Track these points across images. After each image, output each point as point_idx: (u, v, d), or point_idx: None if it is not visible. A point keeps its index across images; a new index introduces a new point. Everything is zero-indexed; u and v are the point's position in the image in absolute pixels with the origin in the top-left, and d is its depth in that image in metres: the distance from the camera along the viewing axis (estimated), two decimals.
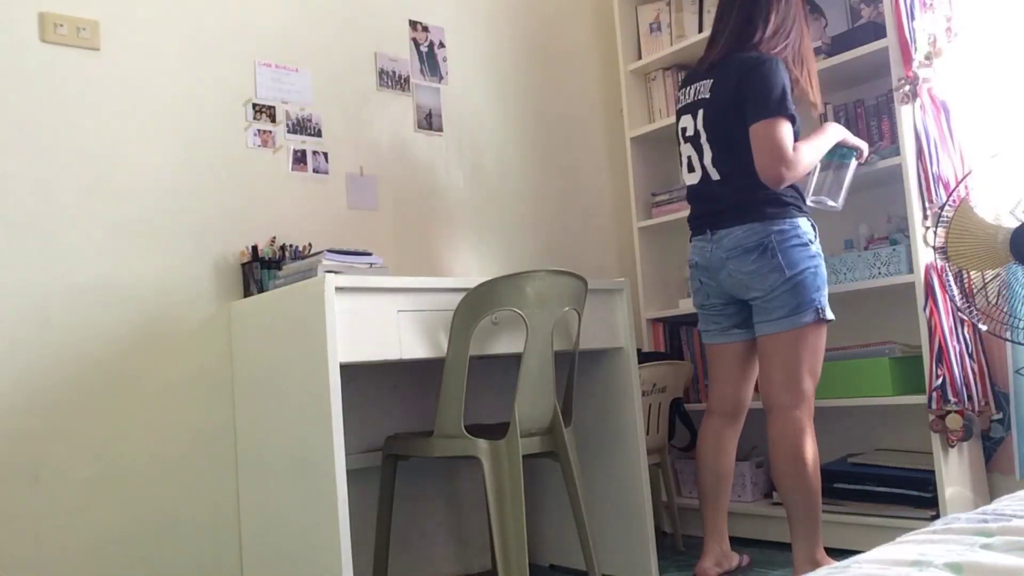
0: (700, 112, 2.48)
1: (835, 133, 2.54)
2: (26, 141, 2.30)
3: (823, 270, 2.39)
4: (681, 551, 2.95)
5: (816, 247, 2.39)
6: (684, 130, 2.53)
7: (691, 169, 2.53)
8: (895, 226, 2.92)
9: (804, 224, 2.38)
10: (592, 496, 2.69)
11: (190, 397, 2.46)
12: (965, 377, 2.60)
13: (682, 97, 2.57)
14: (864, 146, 2.63)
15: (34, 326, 2.25)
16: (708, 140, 2.46)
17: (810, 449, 2.37)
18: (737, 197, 2.40)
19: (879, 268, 2.78)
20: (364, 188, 2.88)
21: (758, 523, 2.99)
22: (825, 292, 2.39)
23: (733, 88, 2.40)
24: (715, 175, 2.46)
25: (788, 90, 2.36)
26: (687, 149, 2.53)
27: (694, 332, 3.29)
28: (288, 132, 2.74)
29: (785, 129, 2.33)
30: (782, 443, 2.37)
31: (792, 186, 2.40)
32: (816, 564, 2.38)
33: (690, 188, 2.56)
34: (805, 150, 2.38)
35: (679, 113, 2.57)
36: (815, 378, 2.41)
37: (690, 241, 2.58)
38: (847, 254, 2.89)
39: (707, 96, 2.46)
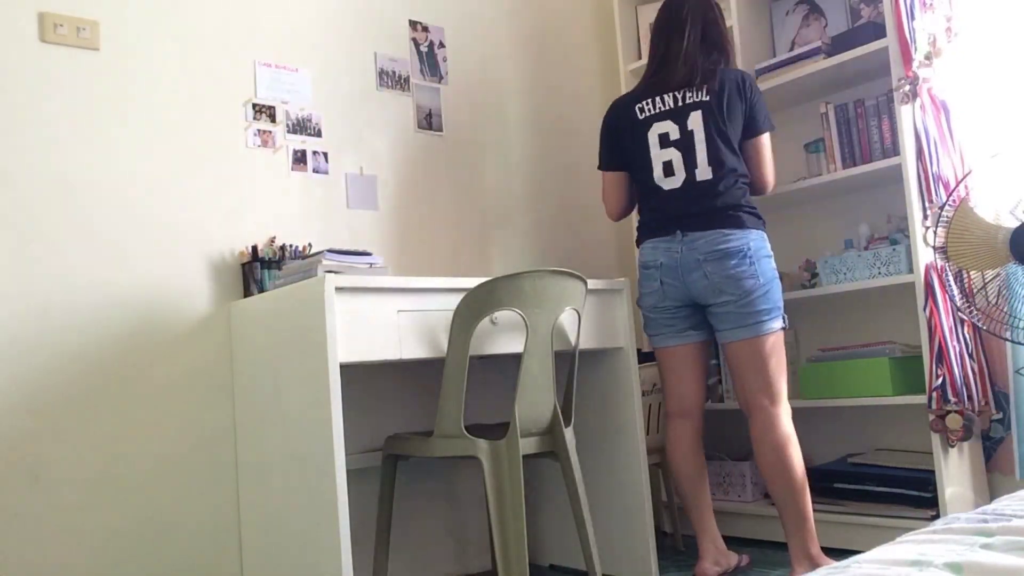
0: (695, 114, 2.55)
1: None
2: (26, 141, 2.30)
3: (779, 281, 2.57)
4: (681, 551, 2.95)
5: (774, 261, 2.58)
6: (665, 136, 2.58)
7: (669, 173, 2.57)
8: (895, 226, 2.92)
9: (766, 238, 2.56)
10: (592, 496, 2.69)
11: (190, 397, 2.46)
12: (965, 377, 2.60)
13: (648, 107, 2.62)
14: None
15: (34, 326, 2.25)
16: (705, 138, 2.53)
17: (792, 445, 2.47)
18: (723, 200, 2.51)
19: (879, 268, 2.78)
20: (364, 188, 2.88)
21: (758, 523, 2.99)
22: (782, 301, 2.56)
23: (738, 95, 2.56)
24: (705, 174, 2.52)
25: None
26: (667, 153, 2.58)
27: None
28: (288, 132, 2.74)
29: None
30: (766, 439, 2.47)
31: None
32: (812, 559, 2.43)
33: (666, 192, 2.58)
34: None
35: (649, 121, 2.61)
36: (785, 379, 2.53)
37: (641, 244, 2.64)
38: (847, 254, 2.89)
39: (705, 99, 2.55)
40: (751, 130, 2.58)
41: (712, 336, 2.61)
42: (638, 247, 2.67)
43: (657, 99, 2.61)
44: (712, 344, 2.68)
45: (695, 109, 2.55)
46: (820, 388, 2.90)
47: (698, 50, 2.60)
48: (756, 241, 2.50)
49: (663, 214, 2.59)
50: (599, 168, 2.78)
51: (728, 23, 3.15)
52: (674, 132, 2.57)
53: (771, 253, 2.55)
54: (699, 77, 2.57)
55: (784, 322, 2.53)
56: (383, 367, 2.70)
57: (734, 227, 2.49)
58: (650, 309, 2.62)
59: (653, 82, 2.65)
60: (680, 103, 2.57)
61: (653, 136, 2.59)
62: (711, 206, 2.50)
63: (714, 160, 2.52)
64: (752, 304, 2.46)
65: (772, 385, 2.49)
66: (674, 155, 2.57)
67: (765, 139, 2.61)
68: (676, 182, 2.56)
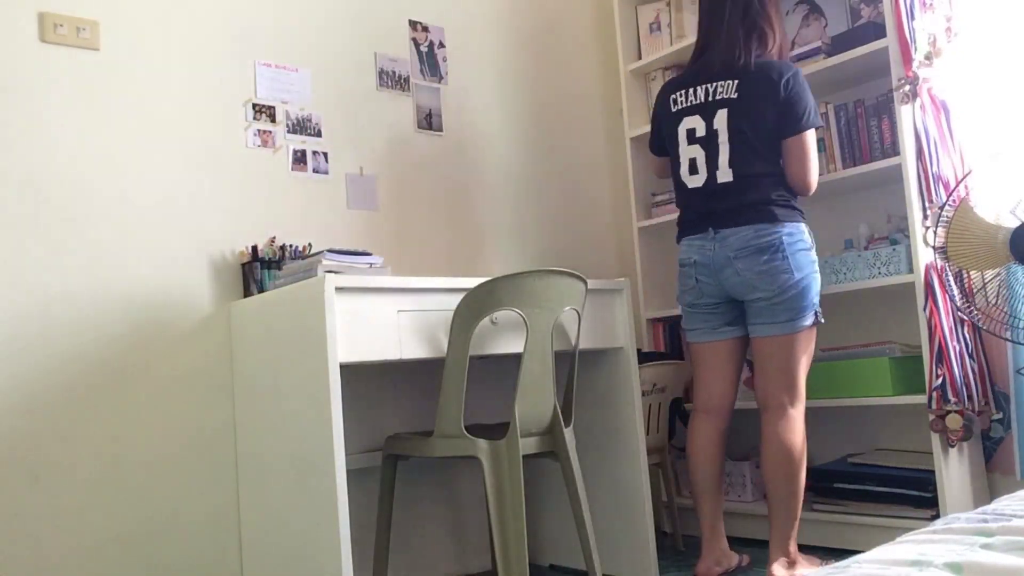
0: (721, 112, 2.48)
1: None
2: (26, 141, 2.30)
3: (819, 275, 2.49)
4: (681, 551, 2.95)
5: (815, 253, 2.48)
6: (692, 131, 2.53)
7: (694, 171, 2.53)
8: (895, 226, 2.92)
9: (806, 230, 2.48)
10: (592, 496, 2.69)
11: (190, 397, 2.46)
12: (965, 377, 2.60)
13: (682, 99, 2.57)
14: None
15: (35, 326, 2.26)
16: (729, 139, 2.47)
17: (802, 447, 2.46)
18: (749, 198, 2.44)
19: (879, 268, 2.78)
20: (364, 188, 2.88)
21: (758, 523, 2.99)
22: (819, 297, 2.48)
23: (770, 91, 2.44)
24: (725, 176, 2.47)
25: None
26: (692, 150, 2.53)
27: None
28: (288, 132, 2.74)
29: (815, 139, 2.51)
30: (778, 440, 2.44)
31: (795, 194, 2.49)
32: (790, 556, 2.46)
33: (690, 190, 2.55)
34: None
35: (680, 114, 2.57)
36: (805, 378, 2.50)
37: (679, 241, 2.61)
38: (847, 254, 2.89)
39: (733, 96, 2.47)
40: (789, 128, 2.45)
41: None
42: (678, 243, 2.63)
43: (690, 91, 2.54)
44: (748, 341, 2.59)
45: (722, 107, 2.48)
46: (820, 388, 2.89)
47: (736, 37, 2.49)
48: (790, 234, 2.42)
49: (692, 211, 2.56)
50: (649, 150, 2.82)
51: None
52: (700, 128, 2.51)
53: (810, 245, 2.46)
54: (732, 70, 2.47)
55: (818, 317, 2.46)
56: (383, 367, 2.70)
57: (765, 221, 2.41)
58: (687, 306, 2.60)
59: (692, 70, 2.59)
60: (710, 98, 2.50)
61: (682, 131, 2.55)
62: (738, 203, 2.44)
63: (735, 163, 2.45)
64: (786, 300, 2.40)
65: (795, 384, 2.46)
66: (699, 153, 2.52)
67: (806, 137, 2.46)
68: (699, 181, 2.52)
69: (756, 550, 2.84)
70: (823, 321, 2.50)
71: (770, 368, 2.47)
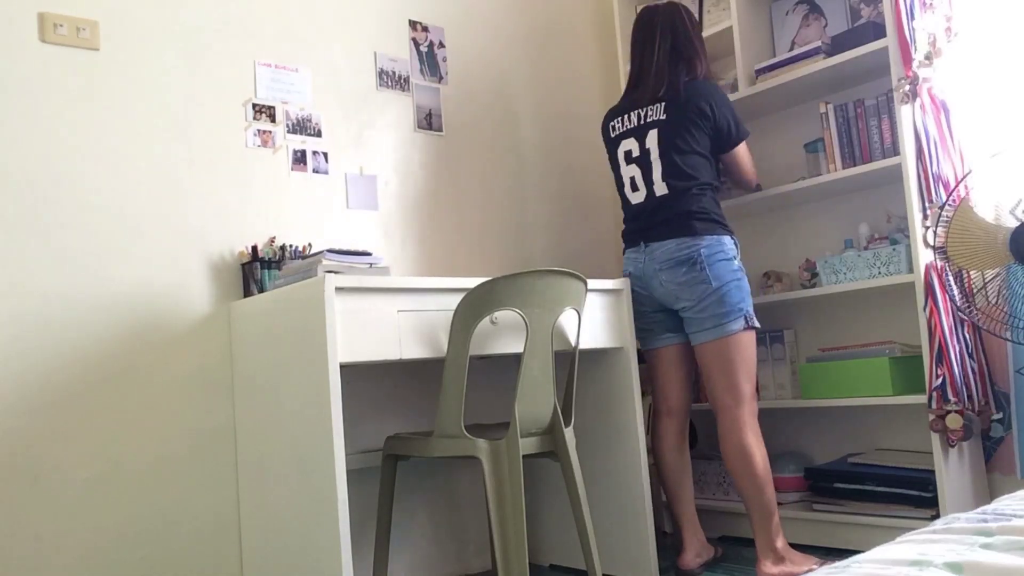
0: (652, 132, 2.69)
1: None
2: (26, 141, 2.30)
3: (746, 283, 2.63)
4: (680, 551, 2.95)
5: (738, 262, 2.63)
6: (628, 153, 2.75)
7: (635, 188, 2.74)
8: (895, 226, 2.92)
9: (728, 241, 2.62)
10: (592, 496, 2.69)
11: (190, 397, 2.46)
12: (965, 377, 2.60)
13: (618, 125, 2.80)
14: None
15: (34, 326, 2.25)
16: (660, 156, 2.67)
17: (754, 444, 2.57)
18: (678, 209, 2.62)
19: (879, 268, 2.78)
20: (364, 188, 2.88)
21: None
22: (750, 302, 2.62)
23: (698, 115, 2.65)
24: (662, 190, 2.66)
25: None
26: (631, 170, 2.75)
27: None
28: (288, 132, 2.74)
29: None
30: (730, 440, 2.58)
31: (719, 205, 2.70)
32: (777, 553, 2.53)
33: (634, 207, 2.75)
34: None
35: (618, 139, 2.79)
36: (752, 380, 2.62)
37: (623, 253, 2.81)
38: (847, 254, 2.89)
39: (662, 118, 2.68)
40: (726, 144, 2.72)
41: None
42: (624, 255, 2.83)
43: (625, 117, 2.78)
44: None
45: (652, 128, 2.69)
46: (820, 388, 2.90)
47: (667, 64, 2.72)
48: (709, 246, 2.58)
49: (631, 226, 2.77)
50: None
51: (728, 23, 3.16)
52: (635, 150, 2.73)
53: (732, 255, 2.62)
54: (661, 95, 2.69)
55: (747, 322, 2.58)
56: (383, 367, 2.70)
57: (686, 235, 2.59)
58: (636, 314, 2.74)
59: (628, 99, 2.81)
60: (642, 121, 2.72)
61: (621, 153, 2.78)
62: (667, 217, 2.63)
63: (668, 176, 2.64)
64: (708, 308, 2.56)
65: (736, 386, 2.58)
66: (636, 171, 2.73)
67: (740, 150, 2.77)
68: (640, 197, 2.72)
69: (754, 549, 2.84)
70: (757, 325, 2.62)
71: (711, 373, 2.61)
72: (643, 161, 2.71)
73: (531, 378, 2.27)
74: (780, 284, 3.11)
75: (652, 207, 2.68)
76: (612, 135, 2.82)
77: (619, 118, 2.80)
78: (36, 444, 2.23)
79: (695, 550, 2.69)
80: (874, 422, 3.02)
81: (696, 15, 3.38)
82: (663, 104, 2.68)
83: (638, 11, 2.90)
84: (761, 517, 2.55)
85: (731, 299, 2.56)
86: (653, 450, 2.78)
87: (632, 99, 2.78)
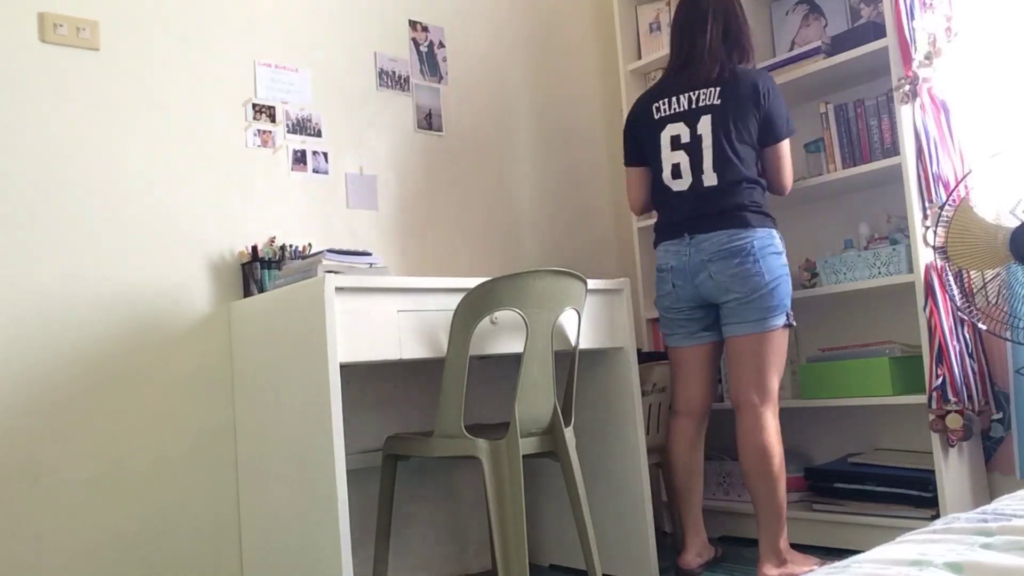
0: (705, 118, 2.56)
1: None
2: (26, 141, 2.30)
3: (789, 279, 2.58)
4: (681, 551, 2.95)
5: (785, 258, 2.57)
6: (676, 138, 2.61)
7: (677, 175, 2.61)
8: (895, 226, 2.92)
9: (777, 236, 2.57)
10: (592, 496, 2.69)
11: (190, 397, 2.46)
12: (965, 377, 2.60)
13: (664, 107, 2.65)
14: None
15: (34, 326, 2.25)
16: (713, 144, 2.55)
17: (777, 445, 2.51)
18: (729, 202, 2.52)
19: (879, 268, 2.78)
20: (364, 188, 2.88)
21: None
22: (791, 299, 2.57)
23: (751, 100, 2.54)
24: (711, 180, 2.55)
25: None
26: (676, 156, 2.60)
27: None
28: (288, 132, 2.74)
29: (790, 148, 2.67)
30: (751, 439, 2.51)
31: (766, 199, 2.61)
32: (780, 555, 2.50)
33: (675, 194, 2.62)
34: None
35: (663, 121, 2.64)
36: (780, 379, 2.57)
37: (656, 246, 2.70)
38: (847, 254, 2.89)
39: (716, 103, 2.56)
40: (769, 137, 2.60)
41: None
42: (655, 248, 2.72)
43: (673, 99, 2.63)
44: (723, 345, 2.67)
45: (706, 113, 2.57)
46: (820, 388, 2.90)
47: (720, 48, 2.61)
48: (762, 239, 2.50)
49: (669, 216, 2.65)
50: (624, 164, 2.83)
51: None
52: (685, 135, 2.59)
53: (781, 250, 2.56)
54: (715, 78, 2.57)
55: (789, 319, 2.54)
56: (383, 367, 2.70)
57: (738, 227, 2.50)
58: (664, 310, 2.68)
59: (674, 80, 2.66)
60: (694, 105, 2.59)
61: (665, 137, 2.63)
62: (716, 209, 2.53)
63: (720, 167, 2.54)
64: (758, 300, 2.48)
65: (766, 383, 2.52)
66: (683, 158, 2.59)
67: (784, 146, 2.63)
68: (683, 185, 2.60)
69: (755, 549, 2.84)
70: (795, 324, 2.58)
71: (742, 367, 2.54)
72: (694, 148, 2.57)
73: (531, 378, 2.27)
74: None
75: (697, 197, 2.56)
76: (655, 117, 2.65)
77: (665, 99, 2.64)
78: (36, 444, 2.23)
79: (696, 550, 2.66)
80: (874, 422, 3.02)
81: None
82: (718, 89, 2.56)
83: None
84: (769, 519, 2.50)
85: (780, 294, 2.50)
86: (667, 449, 2.73)
87: (680, 81, 2.63)
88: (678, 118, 2.61)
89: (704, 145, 2.56)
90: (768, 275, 2.49)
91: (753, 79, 2.57)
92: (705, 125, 2.56)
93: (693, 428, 2.68)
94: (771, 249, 2.52)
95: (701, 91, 2.58)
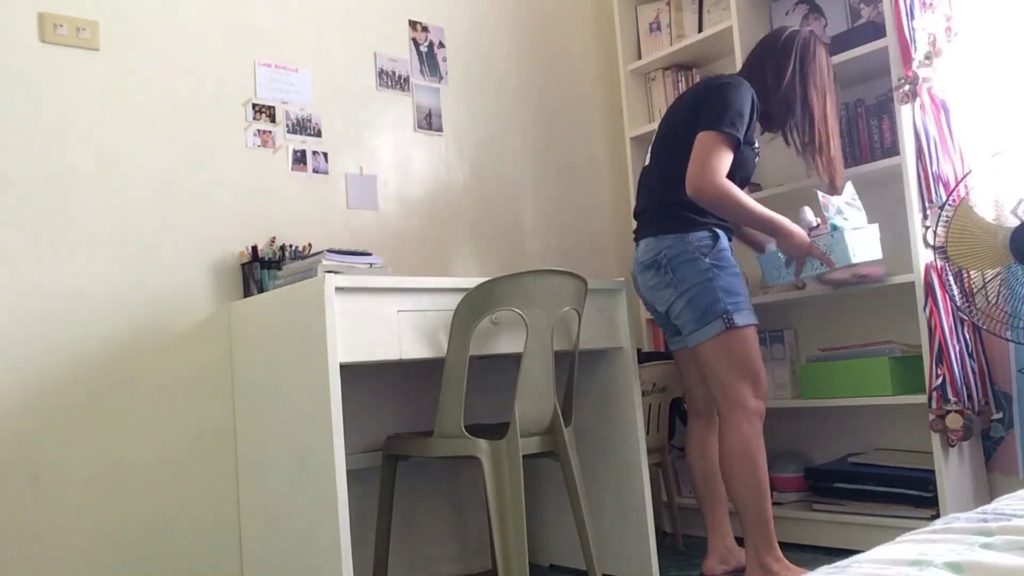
0: (663, 122, 2.59)
1: (782, 225, 2.43)
2: (26, 141, 2.30)
3: (724, 279, 2.36)
4: (681, 551, 2.95)
5: (709, 260, 2.36)
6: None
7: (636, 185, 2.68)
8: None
9: (696, 238, 2.37)
10: (592, 496, 2.69)
11: (190, 397, 2.46)
12: (965, 377, 2.60)
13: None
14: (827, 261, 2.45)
15: (34, 327, 2.25)
16: (652, 150, 2.59)
17: (751, 450, 2.35)
18: (648, 205, 2.52)
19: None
20: (364, 188, 2.88)
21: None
22: (734, 298, 2.36)
23: (690, 102, 2.45)
24: (645, 179, 2.58)
25: (744, 113, 2.34)
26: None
27: None
28: (288, 132, 2.74)
29: (722, 144, 2.29)
30: (723, 445, 2.41)
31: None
32: (766, 568, 2.35)
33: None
34: (741, 196, 2.33)
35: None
36: (751, 379, 2.38)
37: None
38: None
39: (665, 112, 2.61)
40: (688, 132, 2.38)
41: None
42: None
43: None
44: None
45: (660, 124, 2.63)
46: (820, 388, 2.89)
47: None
48: (670, 246, 2.39)
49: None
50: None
51: (728, 23, 3.16)
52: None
53: (696, 254, 2.36)
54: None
55: (726, 324, 2.34)
56: (383, 367, 2.70)
57: (651, 235, 2.46)
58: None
59: None
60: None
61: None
62: (641, 211, 2.56)
63: (652, 169, 2.56)
64: (680, 315, 2.41)
65: (725, 390, 2.39)
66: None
67: (701, 136, 2.31)
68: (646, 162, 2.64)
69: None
70: (739, 324, 2.35)
71: (705, 377, 2.47)
72: (648, 158, 2.63)
73: (531, 378, 2.27)
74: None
75: (638, 197, 2.63)
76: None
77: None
78: (36, 444, 2.23)
79: (719, 555, 2.56)
80: (874, 422, 3.02)
81: (696, 15, 3.39)
82: (674, 101, 2.67)
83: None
84: (753, 526, 2.37)
85: (699, 303, 2.36)
86: (685, 453, 2.70)
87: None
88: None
89: (648, 152, 2.62)
90: (681, 285, 2.38)
91: (708, 81, 2.50)
92: (656, 135, 2.62)
93: (703, 428, 2.63)
94: (682, 256, 2.37)
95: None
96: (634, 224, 2.65)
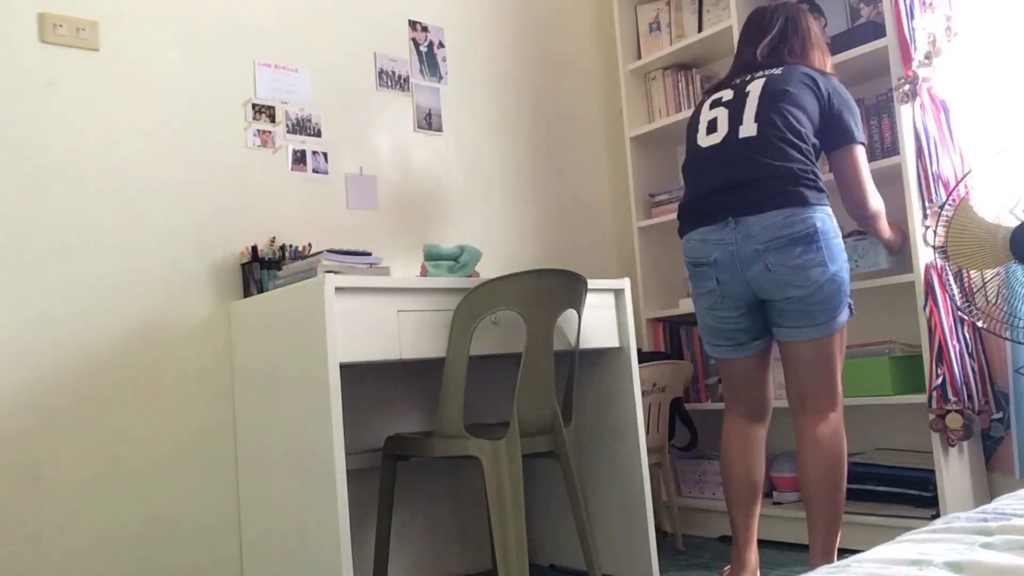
0: (758, 80, 2.26)
1: (896, 232, 2.58)
2: (25, 141, 2.30)
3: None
4: (681, 551, 2.95)
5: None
6: (719, 99, 2.31)
7: (711, 131, 2.26)
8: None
9: (833, 216, 2.21)
10: (592, 496, 2.69)
11: (190, 397, 2.46)
12: (965, 376, 2.60)
13: (716, 92, 2.38)
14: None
15: (34, 327, 2.25)
16: (760, 97, 2.22)
17: (845, 455, 2.24)
18: (762, 174, 2.15)
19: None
20: (364, 188, 2.88)
21: (766, 523, 2.98)
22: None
23: (813, 86, 2.24)
24: (749, 131, 2.19)
25: None
26: (715, 112, 2.29)
27: (694, 332, 3.29)
28: (288, 132, 2.74)
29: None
30: (823, 447, 2.20)
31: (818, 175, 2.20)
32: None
33: (703, 151, 2.27)
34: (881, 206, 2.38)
35: (710, 92, 2.39)
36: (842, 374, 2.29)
37: (686, 235, 2.31)
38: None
39: (777, 72, 2.27)
40: (841, 139, 2.26)
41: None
42: (681, 238, 2.35)
43: (735, 80, 2.36)
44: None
45: (760, 77, 2.28)
46: None
47: (786, 52, 2.36)
48: (823, 219, 2.14)
49: (704, 190, 2.26)
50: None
51: (728, 23, 3.16)
52: (728, 95, 2.30)
53: (839, 232, 2.19)
54: (770, 66, 2.33)
55: (851, 309, 2.24)
56: (383, 367, 2.70)
57: (794, 205, 2.12)
58: (707, 313, 2.32)
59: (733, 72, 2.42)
60: (749, 78, 2.31)
61: (706, 106, 2.36)
62: (760, 176, 2.15)
63: (763, 118, 2.18)
64: (820, 299, 2.14)
65: (835, 387, 2.23)
66: (721, 113, 2.28)
67: (856, 152, 2.27)
68: (716, 138, 2.25)
69: (761, 551, 2.84)
70: (855, 313, 2.28)
71: (807, 374, 2.22)
72: (735, 103, 2.25)
73: (531, 378, 2.27)
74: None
75: (733, 154, 2.19)
76: (709, 97, 2.37)
77: (724, 86, 2.37)
78: (36, 444, 2.23)
79: (751, 570, 2.32)
80: (874, 422, 3.02)
81: (696, 15, 3.39)
82: (780, 68, 2.30)
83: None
84: (829, 534, 2.21)
85: (844, 287, 2.16)
86: (722, 453, 2.38)
87: (738, 71, 2.38)
88: (728, 86, 2.34)
89: (749, 99, 2.22)
90: (832, 264, 2.13)
91: (820, 75, 2.28)
92: (756, 85, 2.25)
93: (752, 431, 2.35)
94: (833, 232, 2.15)
95: (759, 71, 2.31)
96: (694, 208, 2.29)
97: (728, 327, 2.28)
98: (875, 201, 2.34)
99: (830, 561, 2.28)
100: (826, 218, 2.15)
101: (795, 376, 2.26)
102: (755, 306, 2.25)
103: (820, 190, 2.17)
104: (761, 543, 2.89)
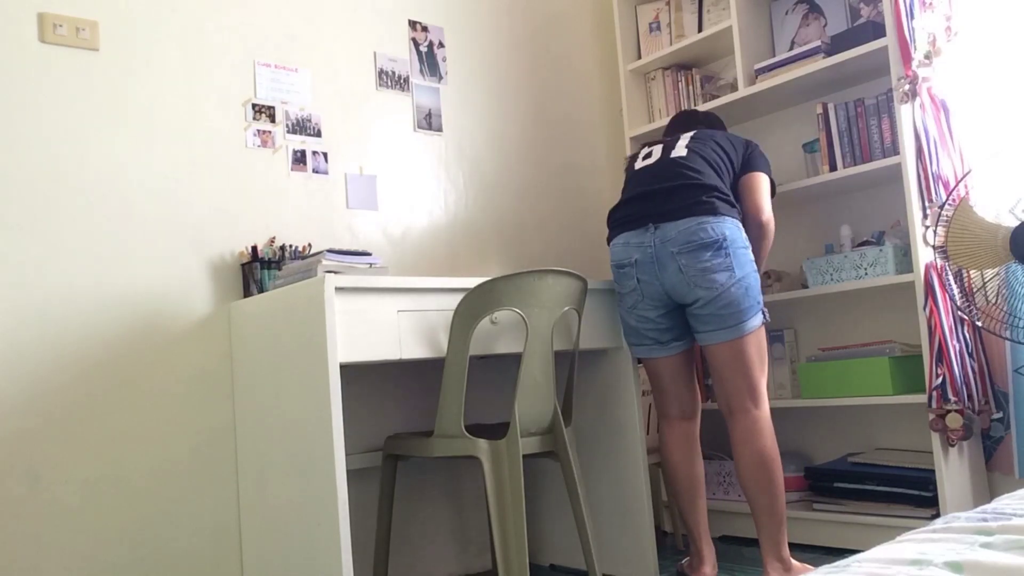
0: (688, 134, 2.59)
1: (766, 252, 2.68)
2: (25, 141, 2.30)
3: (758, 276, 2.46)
4: (681, 551, 2.95)
5: (751, 252, 2.44)
6: (649, 154, 2.61)
7: (647, 158, 2.58)
8: (887, 226, 2.92)
9: (741, 228, 2.44)
10: (592, 496, 2.69)
11: (190, 397, 2.46)
12: (965, 376, 2.60)
13: (642, 154, 2.66)
14: None
15: (34, 327, 2.25)
16: (691, 138, 2.56)
17: (775, 449, 2.40)
18: (681, 184, 2.41)
19: (864, 269, 2.79)
20: (364, 188, 2.88)
21: (734, 520, 2.99)
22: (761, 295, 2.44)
23: (735, 140, 2.59)
24: (681, 152, 2.50)
25: None
26: (651, 149, 2.62)
27: None
28: (288, 132, 2.74)
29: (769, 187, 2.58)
30: (750, 445, 2.39)
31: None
32: (785, 563, 2.39)
33: (638, 171, 2.57)
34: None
35: (636, 157, 2.67)
36: (766, 378, 2.46)
37: (612, 241, 2.56)
38: (833, 256, 2.89)
39: (706, 130, 2.62)
40: (747, 167, 2.57)
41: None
42: (608, 245, 2.60)
43: (655, 146, 2.65)
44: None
45: (687, 138, 2.59)
46: (820, 388, 2.90)
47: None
48: (732, 231, 2.36)
49: (631, 202, 2.51)
50: None
51: (728, 23, 3.16)
52: (657, 151, 2.60)
53: (747, 245, 2.41)
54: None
55: (765, 315, 2.42)
56: (383, 367, 2.70)
57: (701, 213, 2.35)
58: (629, 313, 2.51)
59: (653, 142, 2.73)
60: (672, 140, 2.62)
61: (641, 155, 2.66)
62: (681, 185, 2.41)
63: (693, 146, 2.52)
64: (729, 304, 2.34)
65: (756, 387, 2.40)
66: (655, 147, 2.61)
67: (760, 176, 2.56)
68: (651, 160, 2.56)
69: (755, 549, 2.84)
70: (769, 320, 2.47)
71: (728, 375, 2.41)
72: (667, 146, 2.57)
73: (531, 378, 2.27)
74: (780, 284, 3.11)
75: (664, 168, 2.48)
76: (636, 165, 2.64)
77: (649, 149, 2.67)
78: (36, 445, 2.23)
79: (712, 560, 2.51)
80: (874, 422, 3.02)
81: (695, 15, 3.39)
82: (695, 131, 2.63)
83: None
84: (770, 526, 2.38)
85: (753, 293, 2.35)
86: (663, 457, 2.59)
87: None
88: (655, 144, 2.65)
89: (681, 139, 2.57)
90: (739, 270, 2.34)
91: (731, 135, 2.62)
92: (684, 138, 2.58)
93: (687, 431, 2.55)
94: (741, 243, 2.37)
95: (679, 135, 2.63)
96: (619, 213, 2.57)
97: (648, 327, 2.48)
98: (770, 211, 2.55)
99: (780, 551, 2.40)
100: (735, 228, 2.38)
101: (718, 378, 2.46)
102: (673, 309, 2.45)
103: (732, 205, 2.43)
104: (757, 543, 2.90)
